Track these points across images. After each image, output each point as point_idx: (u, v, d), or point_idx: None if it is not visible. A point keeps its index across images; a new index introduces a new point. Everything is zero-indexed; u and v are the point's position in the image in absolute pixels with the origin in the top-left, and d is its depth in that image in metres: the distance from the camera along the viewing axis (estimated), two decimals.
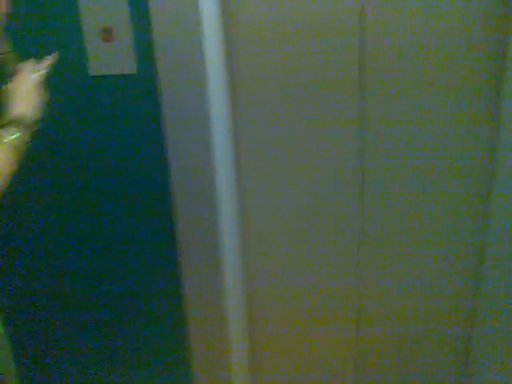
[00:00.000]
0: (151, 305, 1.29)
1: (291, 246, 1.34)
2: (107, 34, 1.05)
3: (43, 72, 0.93)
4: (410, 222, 1.28)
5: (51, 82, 0.93)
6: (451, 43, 1.10)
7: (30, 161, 0.91)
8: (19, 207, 1.23)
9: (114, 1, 1.02)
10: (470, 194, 1.23)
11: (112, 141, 1.15)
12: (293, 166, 1.26)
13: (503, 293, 1.18)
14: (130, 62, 1.07)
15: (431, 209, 1.25)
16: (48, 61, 0.94)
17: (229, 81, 1.20)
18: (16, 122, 0.84)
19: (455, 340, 1.37)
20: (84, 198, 1.21)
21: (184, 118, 1.09)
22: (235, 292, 1.33)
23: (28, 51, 0.95)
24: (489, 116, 1.14)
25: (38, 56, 0.94)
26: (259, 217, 1.33)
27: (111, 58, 1.07)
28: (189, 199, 1.16)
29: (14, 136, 0.82)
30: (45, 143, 1.14)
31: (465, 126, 1.17)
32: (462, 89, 1.14)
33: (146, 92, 1.09)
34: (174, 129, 1.10)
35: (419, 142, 1.19)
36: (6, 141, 0.81)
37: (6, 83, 0.89)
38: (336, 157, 1.24)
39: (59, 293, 1.30)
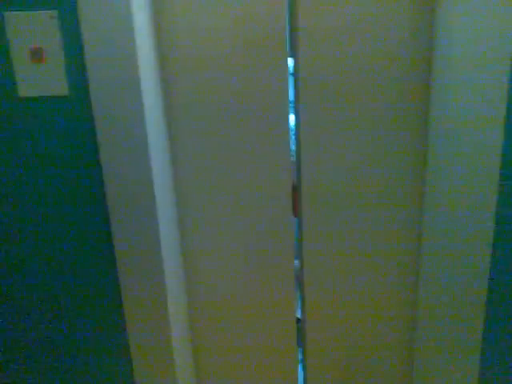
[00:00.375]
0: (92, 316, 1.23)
1: (229, 262, 1.33)
2: (37, 53, 1.01)
3: None
4: (347, 231, 1.29)
5: None
6: (382, 59, 1.13)
7: None
8: None
9: (44, 20, 0.99)
10: (405, 201, 1.25)
11: (44, 164, 1.10)
12: (229, 185, 1.25)
13: (439, 301, 1.19)
14: (62, 83, 1.03)
15: (368, 221, 1.27)
16: None
17: (164, 103, 1.18)
18: None
19: (399, 348, 1.39)
20: (18, 231, 1.14)
21: (119, 140, 1.05)
22: (177, 298, 1.29)
23: None
24: (419, 118, 1.18)
25: None
26: (198, 236, 1.31)
27: (42, 79, 1.03)
28: (127, 225, 1.12)
29: None
30: None
31: (397, 129, 1.20)
32: (392, 97, 1.17)
33: (78, 114, 1.05)
34: (109, 153, 1.06)
35: (352, 150, 1.22)
36: None
37: None
38: (271, 178, 1.25)
39: None
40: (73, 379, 1.30)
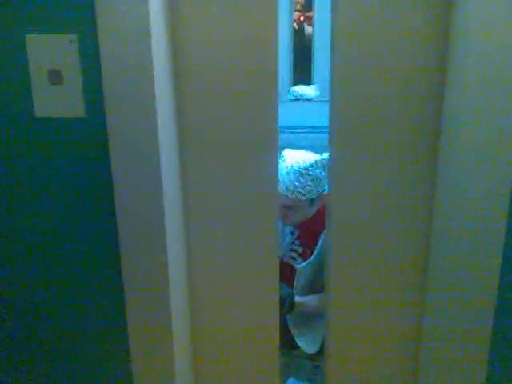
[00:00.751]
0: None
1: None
2: (55, 75, 1.02)
3: None
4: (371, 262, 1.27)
5: None
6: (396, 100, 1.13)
7: None
8: None
9: (63, 42, 1.00)
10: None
11: (58, 183, 1.11)
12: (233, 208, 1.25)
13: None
14: (78, 104, 1.04)
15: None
16: None
17: (179, 129, 1.18)
18: None
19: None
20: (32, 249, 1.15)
21: (133, 163, 1.06)
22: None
23: None
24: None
25: None
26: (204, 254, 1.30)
27: (59, 100, 1.04)
28: (138, 245, 1.12)
29: None
30: None
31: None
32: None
33: (94, 135, 1.06)
34: (123, 175, 1.07)
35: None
36: None
37: None
38: None
39: None
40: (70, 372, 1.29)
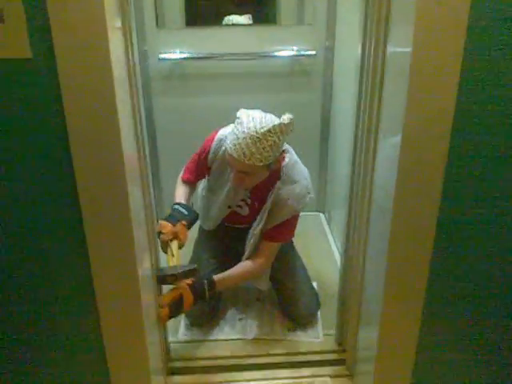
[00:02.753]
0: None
1: None
2: None
3: None
4: None
5: None
6: None
7: None
8: None
9: None
10: None
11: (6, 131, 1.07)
12: None
13: None
14: (23, 44, 0.98)
15: None
16: None
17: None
18: None
19: None
20: None
21: (88, 103, 1.03)
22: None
23: None
24: None
25: None
26: None
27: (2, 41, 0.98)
28: (97, 201, 1.13)
29: None
30: None
31: None
32: None
33: (43, 78, 1.01)
34: (77, 118, 1.04)
35: None
36: None
37: None
38: None
39: None
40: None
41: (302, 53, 2.43)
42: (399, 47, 1.16)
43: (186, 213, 1.80)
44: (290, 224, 1.84)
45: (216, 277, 1.78)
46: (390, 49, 1.22)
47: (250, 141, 1.56)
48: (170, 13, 2.39)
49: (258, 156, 1.57)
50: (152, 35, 2.37)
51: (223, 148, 1.76)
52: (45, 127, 1.07)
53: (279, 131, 1.57)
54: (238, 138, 1.57)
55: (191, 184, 1.96)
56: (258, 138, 1.55)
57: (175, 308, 1.62)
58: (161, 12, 2.35)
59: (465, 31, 1.05)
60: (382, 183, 1.34)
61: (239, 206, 1.92)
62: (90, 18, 0.96)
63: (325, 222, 2.79)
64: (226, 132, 1.81)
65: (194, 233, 2.06)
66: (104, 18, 0.97)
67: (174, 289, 1.65)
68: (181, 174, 1.97)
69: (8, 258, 1.20)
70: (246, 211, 1.92)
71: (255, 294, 2.10)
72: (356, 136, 1.47)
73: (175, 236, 1.72)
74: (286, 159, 1.77)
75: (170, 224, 1.73)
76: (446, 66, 1.08)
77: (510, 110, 1.14)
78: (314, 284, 2.09)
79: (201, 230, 2.15)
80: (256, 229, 1.81)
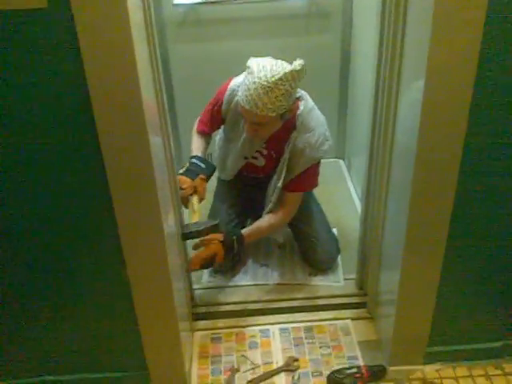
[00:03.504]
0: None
1: None
2: None
3: None
4: None
5: None
6: None
7: None
8: None
9: None
10: None
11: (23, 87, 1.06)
12: None
13: None
14: None
15: None
16: None
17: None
18: None
19: None
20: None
21: (106, 54, 1.01)
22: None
23: None
24: None
25: None
26: None
27: None
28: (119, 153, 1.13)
29: None
30: None
31: None
32: None
33: (59, 28, 0.99)
34: (96, 69, 1.03)
35: None
36: None
37: None
38: None
39: None
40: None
41: None
42: None
43: (203, 166, 1.80)
44: (310, 173, 1.82)
45: (244, 231, 1.81)
46: None
47: (261, 91, 1.51)
48: None
49: (271, 106, 1.53)
50: None
51: (236, 98, 1.72)
52: (63, 76, 1.05)
53: (291, 78, 1.52)
54: (250, 89, 1.53)
55: (206, 135, 1.94)
56: (269, 87, 1.51)
57: (206, 263, 1.72)
58: None
59: None
60: (404, 126, 1.31)
61: (255, 158, 1.91)
62: None
63: (345, 169, 2.77)
64: (238, 81, 1.76)
65: (213, 183, 2.08)
66: None
67: (207, 247, 1.72)
68: (195, 126, 1.95)
69: (36, 216, 1.23)
70: (263, 162, 1.91)
71: (276, 241, 2.12)
72: (377, 79, 1.43)
73: (195, 191, 1.74)
74: (301, 107, 1.73)
75: (188, 179, 1.74)
76: (472, 2, 1.03)
77: None
78: (334, 230, 2.11)
79: (219, 180, 2.15)
80: (278, 182, 1.80)
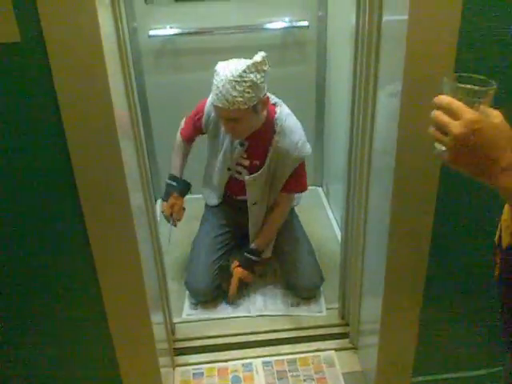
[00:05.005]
0: None
1: None
2: None
3: None
4: None
5: None
6: None
7: None
8: None
9: None
10: None
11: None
12: None
13: None
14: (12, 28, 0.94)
15: None
16: None
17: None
18: None
19: None
20: None
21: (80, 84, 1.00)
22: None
23: None
24: None
25: None
26: None
27: None
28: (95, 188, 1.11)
29: None
30: None
31: None
32: None
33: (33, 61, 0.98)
34: (70, 98, 1.01)
35: None
36: None
37: None
38: None
39: None
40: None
41: (294, 24, 2.37)
42: (395, 14, 1.13)
43: (174, 184, 1.97)
44: (300, 173, 1.89)
45: (254, 244, 1.94)
46: (385, 17, 1.19)
47: (229, 86, 1.59)
48: None
49: (241, 99, 1.60)
50: (141, 11, 2.30)
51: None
52: (36, 110, 1.04)
53: (254, 70, 1.61)
54: (219, 87, 1.61)
55: (188, 141, 2.02)
56: (236, 81, 1.59)
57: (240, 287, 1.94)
58: None
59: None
60: (381, 148, 1.32)
61: (239, 173, 1.92)
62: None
63: (323, 196, 2.77)
64: None
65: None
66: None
67: (232, 280, 1.92)
68: (180, 128, 2.01)
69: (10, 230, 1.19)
70: (247, 176, 1.91)
71: (257, 272, 2.10)
72: (353, 106, 1.44)
73: (173, 208, 1.94)
74: (278, 112, 1.80)
75: (165, 202, 1.96)
76: (443, 33, 1.05)
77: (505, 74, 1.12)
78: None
79: (207, 208, 2.15)
80: (261, 208, 1.91)
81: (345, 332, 1.79)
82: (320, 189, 2.84)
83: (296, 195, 2.04)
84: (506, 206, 0.79)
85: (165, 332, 1.60)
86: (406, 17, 1.03)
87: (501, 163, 0.66)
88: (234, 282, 1.91)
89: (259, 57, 1.61)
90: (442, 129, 0.68)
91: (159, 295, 1.53)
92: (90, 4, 0.93)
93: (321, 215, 2.57)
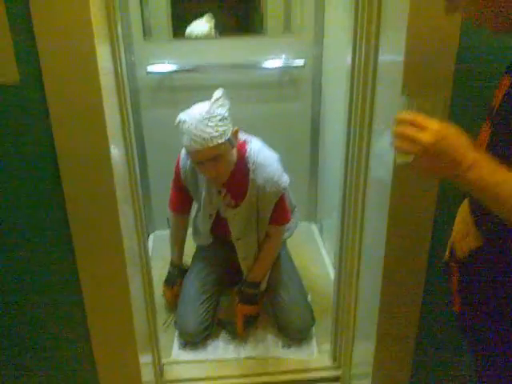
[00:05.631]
0: None
1: None
2: None
3: None
4: None
5: None
6: None
7: None
8: None
9: None
10: None
11: None
12: None
13: None
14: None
15: None
16: None
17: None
18: None
19: None
20: None
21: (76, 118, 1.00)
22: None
23: None
24: None
25: None
26: None
27: None
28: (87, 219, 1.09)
29: None
30: None
31: None
32: None
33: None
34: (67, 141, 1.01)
35: None
36: None
37: None
38: None
39: None
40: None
41: (290, 63, 2.42)
42: (391, 55, 1.15)
43: (176, 273, 2.06)
44: (282, 204, 1.88)
45: (249, 277, 1.93)
46: (381, 57, 1.21)
47: (201, 125, 1.61)
48: (158, 25, 2.36)
49: (216, 133, 1.62)
50: (139, 47, 2.33)
51: (189, 161, 1.82)
52: (33, 149, 1.04)
53: (219, 105, 1.64)
54: (191, 132, 1.62)
55: (180, 216, 2.06)
56: (206, 118, 1.61)
57: (247, 322, 1.91)
58: (148, 24, 2.33)
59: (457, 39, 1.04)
60: (376, 185, 1.32)
61: (224, 211, 1.91)
62: (77, 29, 0.93)
63: (317, 233, 2.76)
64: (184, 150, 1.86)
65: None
66: (91, 29, 0.94)
67: (236, 318, 1.89)
68: (168, 206, 2.05)
69: None
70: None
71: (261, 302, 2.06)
72: (347, 143, 1.45)
73: (177, 297, 2.00)
74: (248, 148, 1.80)
75: (168, 289, 2.05)
76: (439, 73, 1.07)
77: None
78: (308, 296, 2.06)
79: (197, 246, 2.14)
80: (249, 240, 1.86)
81: (337, 375, 1.75)
82: (314, 225, 2.83)
83: (288, 225, 2.01)
84: (458, 218, 0.90)
85: (153, 373, 1.56)
86: (401, 58, 1.05)
87: (466, 162, 0.75)
88: (239, 320, 1.89)
89: (219, 93, 1.65)
90: (410, 140, 0.77)
91: (148, 335, 1.49)
92: (89, 40, 0.94)
93: (314, 252, 2.55)
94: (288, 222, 1.97)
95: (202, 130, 1.60)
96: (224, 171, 1.76)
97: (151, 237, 2.67)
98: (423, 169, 0.80)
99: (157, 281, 1.66)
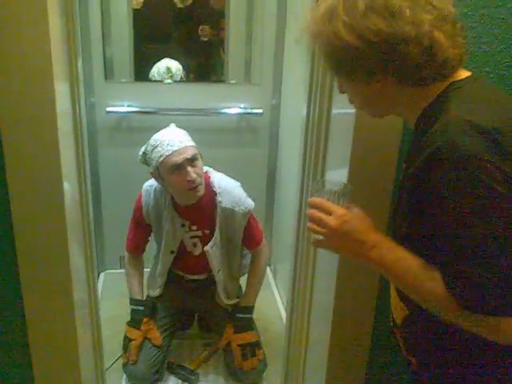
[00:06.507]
0: None
1: None
2: None
3: None
4: None
5: None
6: None
7: None
8: None
9: None
10: None
11: None
12: None
13: None
14: None
15: None
16: None
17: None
18: None
19: None
20: None
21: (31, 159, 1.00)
22: None
23: None
24: None
25: None
26: None
27: None
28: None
29: None
30: None
31: None
32: None
33: None
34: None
35: None
36: None
37: None
38: None
39: None
40: None
41: (249, 111, 2.49)
42: (343, 108, 1.21)
43: (141, 309, 1.89)
44: (254, 224, 1.93)
45: (244, 302, 1.94)
46: (334, 110, 1.27)
47: (177, 131, 1.73)
48: (119, 66, 2.39)
49: (190, 138, 1.74)
50: (100, 88, 2.35)
51: (152, 196, 1.84)
52: None
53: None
54: (165, 140, 1.69)
55: (136, 252, 2.00)
56: (176, 131, 1.74)
57: (246, 353, 1.85)
58: (109, 65, 2.36)
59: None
60: None
61: (194, 245, 1.90)
62: (36, 70, 0.95)
63: (270, 276, 2.77)
64: (148, 183, 1.88)
65: None
66: (51, 69, 0.95)
67: (235, 349, 1.84)
68: (125, 247, 2.00)
69: None
70: (199, 249, 1.89)
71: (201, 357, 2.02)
72: (301, 189, 1.49)
73: (145, 337, 1.84)
74: (211, 176, 1.85)
75: (135, 330, 1.85)
76: (387, 127, 1.14)
77: None
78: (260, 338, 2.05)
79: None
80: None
81: None
82: (268, 268, 2.84)
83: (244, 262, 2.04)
84: (391, 290, 0.96)
85: None
86: (353, 110, 1.11)
87: (368, 243, 0.83)
88: (237, 353, 1.84)
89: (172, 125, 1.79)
90: (318, 223, 0.85)
91: (95, 379, 1.44)
92: (48, 81, 0.95)
93: (267, 295, 2.55)
94: (262, 239, 1.99)
95: (177, 135, 1.70)
96: (201, 179, 1.75)
97: (101, 276, 2.61)
98: (332, 247, 0.89)
99: (105, 321, 1.61)
